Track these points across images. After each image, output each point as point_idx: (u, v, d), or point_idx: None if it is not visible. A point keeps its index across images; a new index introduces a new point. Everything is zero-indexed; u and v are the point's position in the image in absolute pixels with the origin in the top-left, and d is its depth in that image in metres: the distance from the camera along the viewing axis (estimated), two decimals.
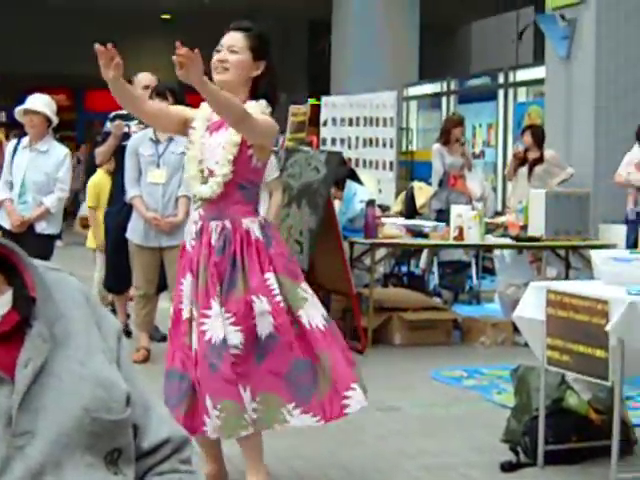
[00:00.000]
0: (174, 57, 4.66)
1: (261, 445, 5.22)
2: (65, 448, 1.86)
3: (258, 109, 5.14)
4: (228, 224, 5.12)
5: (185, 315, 5.15)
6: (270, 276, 5.10)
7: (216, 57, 5.19)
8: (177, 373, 5.18)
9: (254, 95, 5.23)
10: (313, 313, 5.19)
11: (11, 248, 1.99)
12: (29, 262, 1.99)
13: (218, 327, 5.00)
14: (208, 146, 5.20)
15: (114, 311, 9.89)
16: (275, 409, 5.07)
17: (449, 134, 12.84)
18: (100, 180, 9.99)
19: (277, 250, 5.19)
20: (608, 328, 5.22)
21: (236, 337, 5.00)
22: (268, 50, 5.31)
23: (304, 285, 5.26)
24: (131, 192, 8.48)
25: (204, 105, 5.25)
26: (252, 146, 5.15)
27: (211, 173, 5.17)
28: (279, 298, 5.09)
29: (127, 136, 8.95)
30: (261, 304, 5.05)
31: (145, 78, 9.40)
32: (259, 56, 5.21)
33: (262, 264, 5.11)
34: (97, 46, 4.64)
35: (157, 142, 8.40)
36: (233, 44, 5.18)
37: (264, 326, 5.05)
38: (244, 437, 5.09)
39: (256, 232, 5.14)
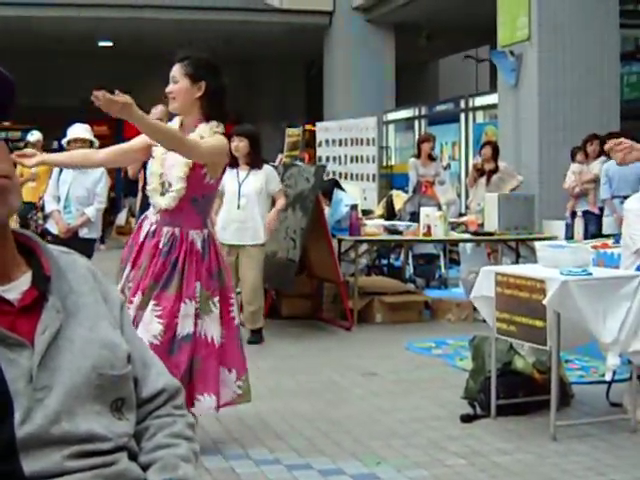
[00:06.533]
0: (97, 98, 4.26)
1: None
2: (76, 399, 1.85)
3: (208, 131, 4.93)
4: (177, 232, 4.93)
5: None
6: (198, 285, 4.92)
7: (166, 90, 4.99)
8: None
9: (205, 114, 4.97)
10: (211, 326, 4.95)
11: (29, 236, 1.98)
12: (45, 247, 1.98)
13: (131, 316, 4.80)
14: (168, 161, 4.98)
15: None
16: None
17: (420, 148, 12.88)
18: None
19: (207, 265, 4.95)
20: (545, 302, 5.22)
21: (157, 328, 4.82)
22: (206, 72, 4.96)
23: (216, 300, 4.98)
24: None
25: (170, 124, 5.09)
26: (205, 165, 4.92)
27: (170, 186, 4.97)
28: (197, 306, 4.92)
29: None
30: (187, 308, 4.87)
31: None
32: (196, 79, 4.93)
33: (197, 274, 4.91)
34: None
35: None
36: (174, 75, 4.97)
37: (184, 327, 4.86)
38: None
39: (198, 244, 4.94)
